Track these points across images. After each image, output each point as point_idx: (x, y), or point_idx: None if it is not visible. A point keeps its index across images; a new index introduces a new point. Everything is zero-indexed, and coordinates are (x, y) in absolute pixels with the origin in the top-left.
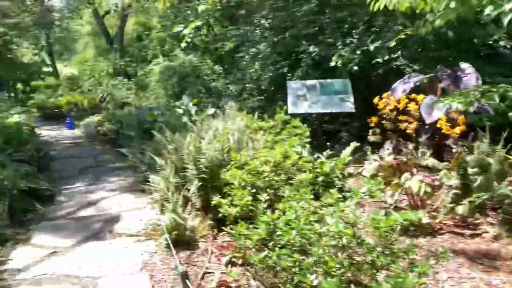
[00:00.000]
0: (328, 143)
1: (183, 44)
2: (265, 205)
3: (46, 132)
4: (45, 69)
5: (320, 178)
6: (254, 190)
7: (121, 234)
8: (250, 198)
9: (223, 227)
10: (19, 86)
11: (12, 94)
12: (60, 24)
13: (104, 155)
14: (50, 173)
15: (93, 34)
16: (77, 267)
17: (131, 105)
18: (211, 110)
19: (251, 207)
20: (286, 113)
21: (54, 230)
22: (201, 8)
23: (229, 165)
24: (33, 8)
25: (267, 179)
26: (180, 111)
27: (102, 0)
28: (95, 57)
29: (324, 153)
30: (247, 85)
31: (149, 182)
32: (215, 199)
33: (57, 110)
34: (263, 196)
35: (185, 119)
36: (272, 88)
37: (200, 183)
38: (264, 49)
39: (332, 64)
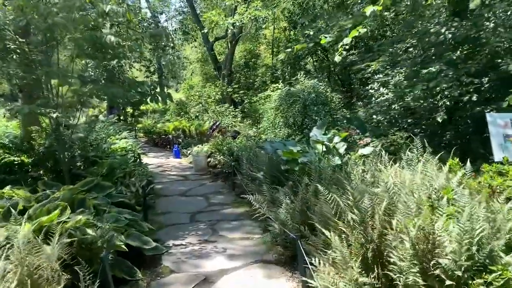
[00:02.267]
0: None
1: (337, 58)
2: None
3: (152, 160)
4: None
5: None
6: None
7: None
8: None
9: None
10: (129, 109)
11: (122, 118)
12: (174, 46)
13: (217, 195)
14: (155, 216)
15: (201, 60)
16: None
17: (248, 136)
18: (366, 149)
19: None
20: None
21: None
22: (370, 9)
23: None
24: (148, 30)
25: None
26: (319, 147)
27: (214, 26)
28: (203, 83)
29: None
30: (393, 114)
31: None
32: None
33: (163, 136)
34: None
35: (336, 160)
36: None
37: None
38: (439, 68)
39: None
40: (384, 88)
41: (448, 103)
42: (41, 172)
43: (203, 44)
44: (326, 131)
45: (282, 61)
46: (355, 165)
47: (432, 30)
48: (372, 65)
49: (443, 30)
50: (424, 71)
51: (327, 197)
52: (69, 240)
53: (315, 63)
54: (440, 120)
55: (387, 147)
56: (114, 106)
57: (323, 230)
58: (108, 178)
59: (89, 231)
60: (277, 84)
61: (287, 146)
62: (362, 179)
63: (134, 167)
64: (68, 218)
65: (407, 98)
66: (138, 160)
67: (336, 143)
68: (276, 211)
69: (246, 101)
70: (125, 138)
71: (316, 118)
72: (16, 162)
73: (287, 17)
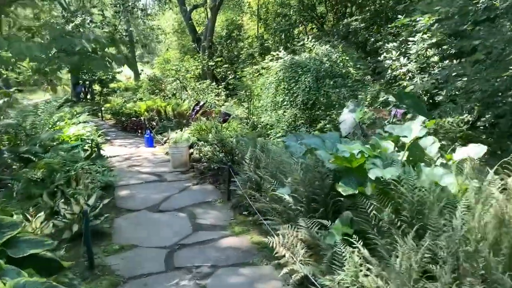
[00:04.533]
0: None
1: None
2: None
3: (118, 150)
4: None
5: None
6: None
7: None
8: None
9: None
10: (96, 87)
11: (89, 97)
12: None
13: (206, 209)
14: (109, 255)
15: (178, 31)
16: None
17: (238, 118)
18: (471, 149)
19: None
20: None
21: None
22: None
23: None
24: None
25: None
26: (386, 145)
27: None
28: (180, 57)
29: None
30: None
31: None
32: None
33: (134, 119)
34: None
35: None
36: None
37: None
38: None
39: None
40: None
41: None
42: None
43: (179, 14)
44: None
45: (274, 29)
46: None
47: None
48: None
49: None
50: None
51: None
52: None
53: (311, 31)
54: None
55: (450, 138)
56: (79, 83)
57: None
58: (42, 187)
59: None
60: (276, 53)
61: (327, 142)
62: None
63: (89, 165)
64: None
65: None
66: (96, 153)
67: (418, 138)
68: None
69: (230, 77)
70: (84, 122)
71: (332, 95)
72: None
73: None
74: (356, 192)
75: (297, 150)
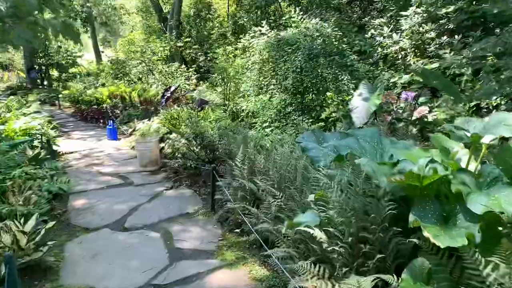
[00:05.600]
0: None
1: None
2: None
3: (76, 144)
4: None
5: None
6: None
7: None
8: None
9: None
10: (55, 72)
11: (46, 82)
12: None
13: (186, 225)
14: None
15: (142, 10)
16: None
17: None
18: None
19: None
20: None
21: None
22: None
23: None
24: None
25: None
26: (453, 147)
27: None
28: (146, 38)
29: None
30: None
31: None
32: None
33: (95, 107)
34: None
35: None
36: None
37: None
38: None
39: None
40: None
41: None
42: None
43: None
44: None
45: (250, 4)
46: None
47: None
48: None
49: None
50: None
51: None
52: None
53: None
54: None
55: None
56: (34, 68)
57: None
58: None
59: None
60: (258, 28)
61: (361, 143)
62: None
63: (35, 169)
64: None
65: None
66: (46, 151)
67: (505, 139)
68: None
69: (201, 59)
70: (35, 112)
71: (328, 76)
72: None
73: None
74: (466, 244)
75: (319, 155)
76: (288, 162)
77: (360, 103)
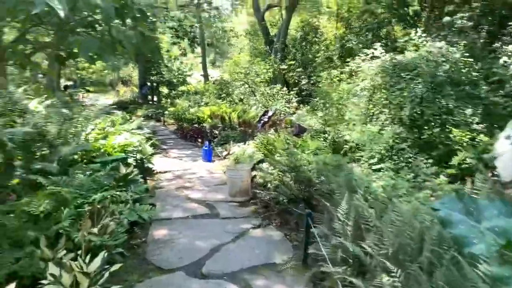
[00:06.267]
0: None
1: None
2: None
3: (171, 163)
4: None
5: None
6: None
7: None
8: None
9: None
10: (164, 90)
11: (155, 98)
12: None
13: (273, 278)
14: None
15: (250, 33)
16: None
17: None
18: None
19: None
20: None
21: None
22: None
23: None
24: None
25: None
26: None
27: None
28: (251, 59)
29: None
30: None
31: None
32: None
33: (196, 125)
34: None
35: None
36: None
37: None
38: None
39: None
40: None
41: None
42: None
43: (252, 14)
44: None
45: (360, 27)
46: None
47: None
48: None
49: None
50: None
51: None
52: None
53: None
54: None
55: None
56: (146, 84)
57: None
58: (42, 228)
59: None
60: (371, 51)
61: None
62: None
63: (121, 191)
64: None
65: None
66: (140, 169)
67: None
68: None
69: (303, 82)
70: (137, 129)
71: (453, 107)
72: None
73: None
74: None
75: (472, 235)
76: (410, 224)
77: (509, 148)
